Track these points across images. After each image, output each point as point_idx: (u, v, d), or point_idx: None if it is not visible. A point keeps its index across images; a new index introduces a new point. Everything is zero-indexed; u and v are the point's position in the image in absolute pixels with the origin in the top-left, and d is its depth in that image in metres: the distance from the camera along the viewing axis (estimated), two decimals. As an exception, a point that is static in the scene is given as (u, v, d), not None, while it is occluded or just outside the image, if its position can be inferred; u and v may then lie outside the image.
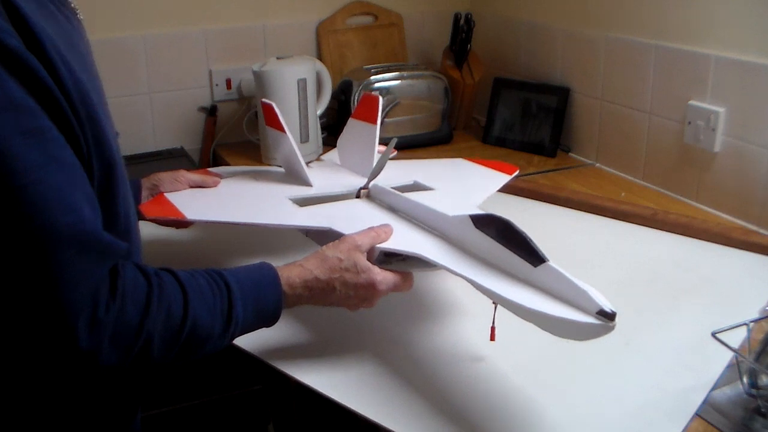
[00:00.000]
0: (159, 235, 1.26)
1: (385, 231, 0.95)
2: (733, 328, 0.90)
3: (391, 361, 0.95)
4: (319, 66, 1.79)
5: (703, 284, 1.15)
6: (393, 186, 1.13)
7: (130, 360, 0.72)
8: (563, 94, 1.80)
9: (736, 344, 0.90)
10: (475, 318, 1.04)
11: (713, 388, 0.89)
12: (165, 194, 1.14)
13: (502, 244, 0.83)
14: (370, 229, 0.95)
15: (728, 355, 0.93)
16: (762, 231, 1.33)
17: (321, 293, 0.88)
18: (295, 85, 1.69)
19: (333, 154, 1.41)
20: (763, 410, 0.86)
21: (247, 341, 0.97)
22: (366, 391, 0.89)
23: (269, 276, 0.85)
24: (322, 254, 0.90)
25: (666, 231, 1.34)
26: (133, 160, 1.77)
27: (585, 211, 1.44)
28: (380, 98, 1.26)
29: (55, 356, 0.70)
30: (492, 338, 0.92)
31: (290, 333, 1.01)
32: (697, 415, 0.85)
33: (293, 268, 0.87)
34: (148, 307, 0.72)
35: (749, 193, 1.37)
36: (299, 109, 1.70)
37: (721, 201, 1.43)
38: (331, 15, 2.01)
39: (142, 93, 1.85)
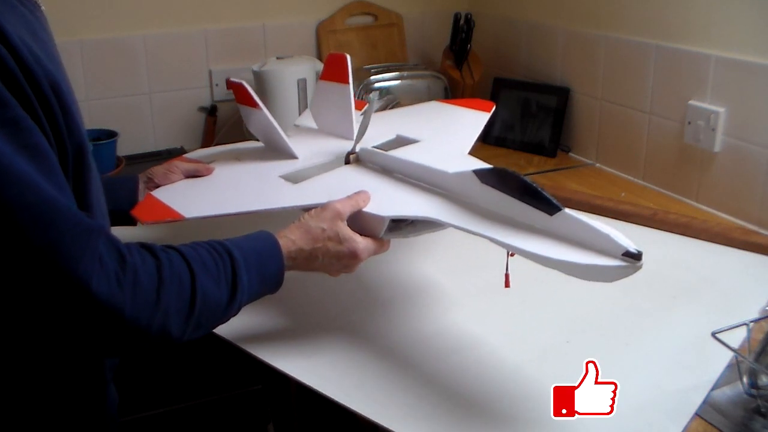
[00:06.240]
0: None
1: (363, 198, 0.95)
2: (733, 328, 0.90)
3: (391, 361, 0.95)
4: (319, 66, 1.79)
5: (703, 284, 1.15)
6: (376, 144, 1.09)
7: (153, 332, 0.72)
8: (563, 94, 1.80)
9: (736, 344, 0.90)
10: (475, 312, 1.04)
11: (713, 388, 0.89)
12: (152, 193, 1.09)
13: (514, 197, 0.82)
14: (349, 197, 0.95)
15: (728, 355, 0.92)
16: (762, 231, 1.33)
17: (305, 262, 0.90)
18: (295, 85, 1.69)
19: (306, 118, 1.34)
20: (763, 410, 0.86)
21: (247, 341, 0.97)
22: (366, 391, 0.89)
23: (270, 243, 0.87)
24: (305, 225, 0.91)
25: (666, 231, 1.34)
26: (133, 160, 1.77)
27: (585, 211, 1.43)
28: (347, 56, 1.20)
29: (93, 332, 0.70)
30: (507, 285, 0.90)
31: (290, 333, 1.01)
32: (697, 415, 0.85)
33: (278, 239, 0.89)
34: (160, 279, 0.73)
35: (749, 193, 1.37)
36: (299, 109, 1.71)
37: (721, 201, 1.43)
38: (331, 15, 2.01)
39: (142, 93, 1.85)
